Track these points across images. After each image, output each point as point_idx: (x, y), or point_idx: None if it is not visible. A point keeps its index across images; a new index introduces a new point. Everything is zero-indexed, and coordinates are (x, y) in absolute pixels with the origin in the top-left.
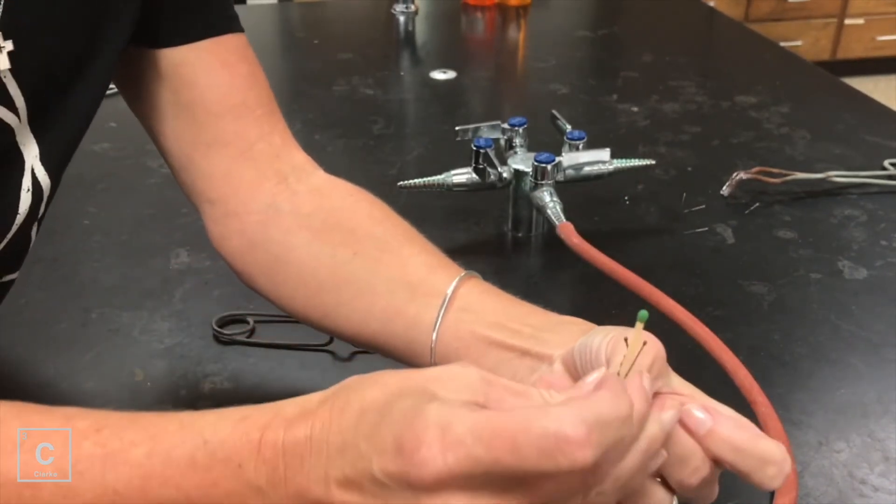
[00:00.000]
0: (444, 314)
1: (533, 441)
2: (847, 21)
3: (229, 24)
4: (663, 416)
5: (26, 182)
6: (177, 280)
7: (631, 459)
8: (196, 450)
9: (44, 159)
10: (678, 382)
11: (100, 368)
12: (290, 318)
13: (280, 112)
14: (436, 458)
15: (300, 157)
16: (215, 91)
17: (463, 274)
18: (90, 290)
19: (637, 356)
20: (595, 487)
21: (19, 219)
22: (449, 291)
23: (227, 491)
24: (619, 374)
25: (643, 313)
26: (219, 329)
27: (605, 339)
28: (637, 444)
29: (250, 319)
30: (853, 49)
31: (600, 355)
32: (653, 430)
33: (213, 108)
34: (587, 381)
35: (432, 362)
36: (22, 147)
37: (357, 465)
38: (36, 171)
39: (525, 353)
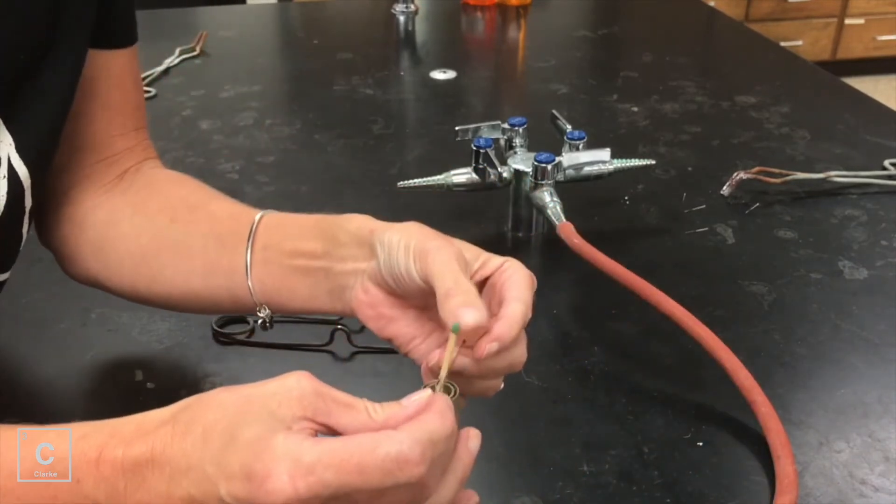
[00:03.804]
0: (251, 257)
1: (378, 463)
2: (847, 21)
3: (135, 35)
4: (470, 444)
5: (2, 170)
6: None
7: (451, 485)
8: (35, 466)
9: (20, 150)
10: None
11: (100, 368)
12: (289, 318)
13: (146, 122)
14: (286, 486)
15: (152, 163)
16: (112, 97)
17: (260, 214)
18: (90, 290)
19: (452, 363)
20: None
21: None
22: (250, 235)
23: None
24: (438, 380)
25: (455, 326)
26: (219, 329)
27: (419, 265)
28: (455, 474)
29: (250, 319)
30: (853, 49)
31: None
32: (466, 458)
33: (97, 115)
34: (411, 399)
35: (257, 306)
36: None
37: (203, 486)
38: (13, 161)
39: (328, 272)
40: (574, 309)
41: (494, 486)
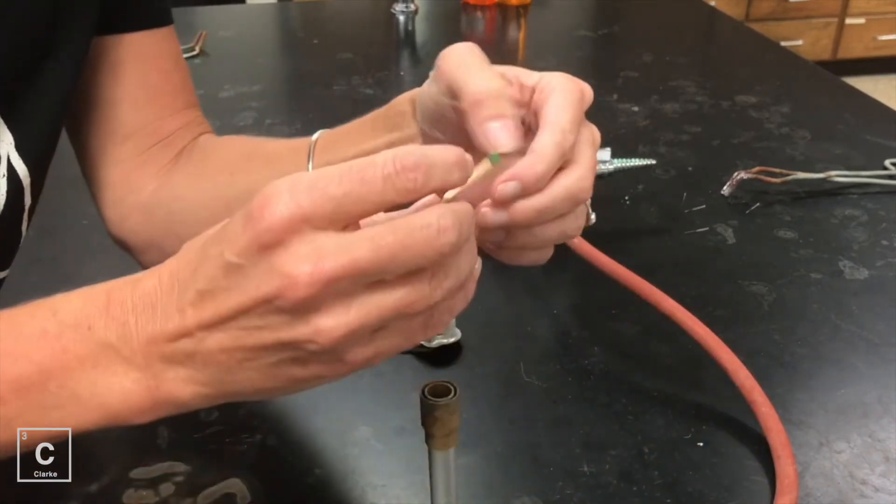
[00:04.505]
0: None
1: (378, 172)
2: (848, 21)
3: (169, 16)
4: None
5: (1, 168)
6: None
7: (467, 257)
8: (46, 321)
9: (20, 148)
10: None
11: None
12: None
13: (197, 98)
14: (287, 202)
15: (206, 136)
16: (152, 79)
17: (316, 135)
18: None
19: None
20: (441, 278)
21: None
22: (310, 156)
23: (78, 355)
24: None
25: (494, 156)
26: None
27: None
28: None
29: None
30: (854, 49)
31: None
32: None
33: (141, 99)
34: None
35: None
36: None
37: (208, 271)
38: (12, 160)
39: None
40: (574, 309)
41: (494, 486)
